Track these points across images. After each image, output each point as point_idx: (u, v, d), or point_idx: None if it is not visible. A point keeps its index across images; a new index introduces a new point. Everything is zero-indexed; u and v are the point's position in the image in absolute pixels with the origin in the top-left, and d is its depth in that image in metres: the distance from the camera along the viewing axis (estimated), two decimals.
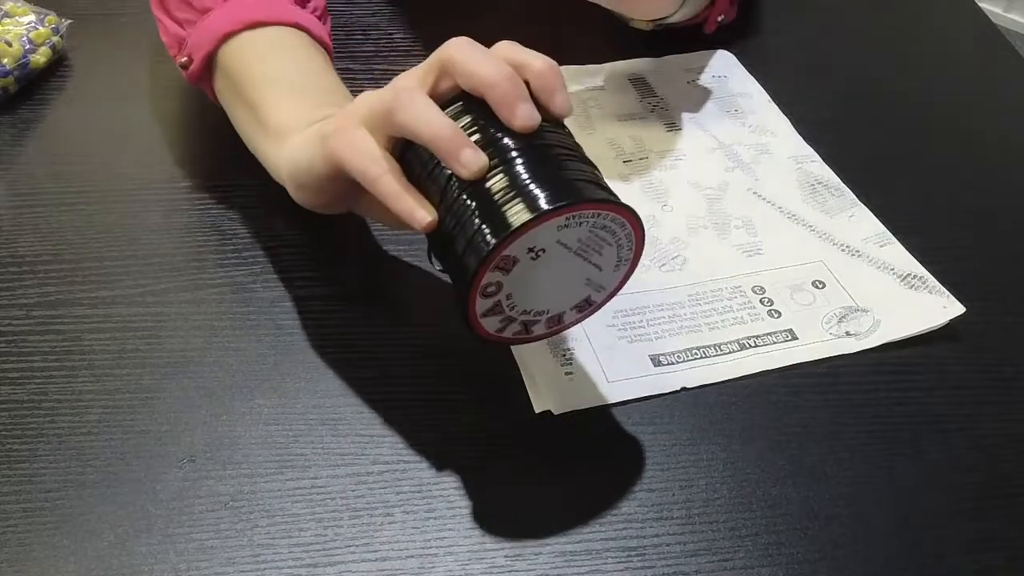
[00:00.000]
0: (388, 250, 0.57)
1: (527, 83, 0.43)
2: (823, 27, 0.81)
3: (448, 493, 0.45)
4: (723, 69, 0.73)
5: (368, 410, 0.48)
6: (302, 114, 0.51)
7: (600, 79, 0.71)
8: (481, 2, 0.76)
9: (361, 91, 0.46)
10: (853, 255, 0.58)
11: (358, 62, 0.70)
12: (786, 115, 0.69)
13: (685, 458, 0.48)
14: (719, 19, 0.73)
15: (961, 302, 0.55)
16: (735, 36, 0.76)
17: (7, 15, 0.67)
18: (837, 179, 0.64)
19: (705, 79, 0.72)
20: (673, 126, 0.68)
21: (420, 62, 0.45)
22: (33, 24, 0.67)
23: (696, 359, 0.52)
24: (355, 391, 0.49)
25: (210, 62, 0.57)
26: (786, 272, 0.57)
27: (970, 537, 0.45)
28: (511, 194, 0.41)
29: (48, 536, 0.43)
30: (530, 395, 0.49)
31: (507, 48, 0.45)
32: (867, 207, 0.61)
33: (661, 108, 0.69)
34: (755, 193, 0.63)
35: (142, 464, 0.46)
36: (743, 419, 0.49)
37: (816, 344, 0.53)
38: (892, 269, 0.57)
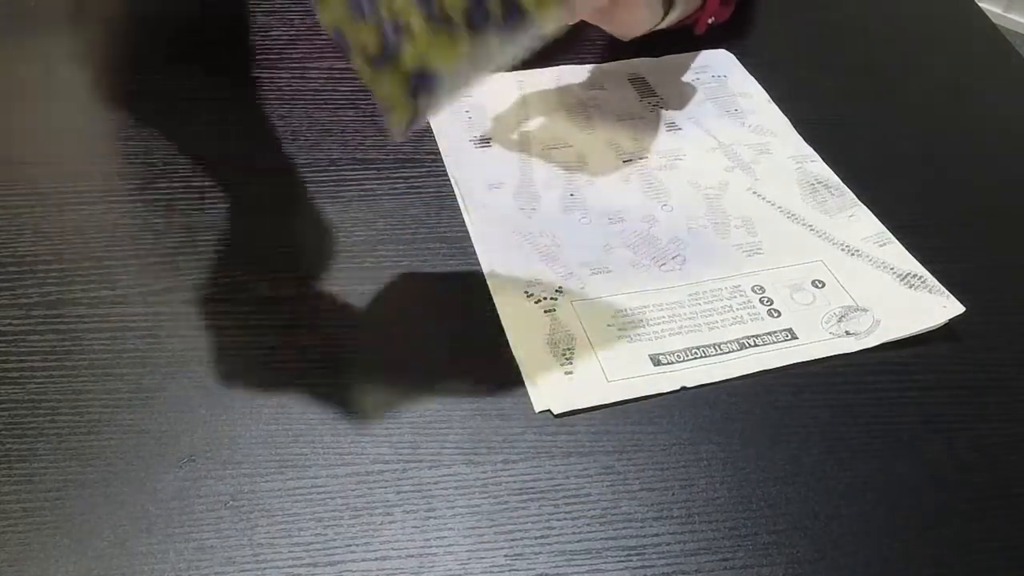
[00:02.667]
0: (388, 250, 0.57)
1: None
2: (823, 27, 0.81)
3: (448, 493, 0.45)
4: (723, 69, 0.73)
5: (368, 410, 0.48)
6: None
7: (600, 79, 0.71)
8: None
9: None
10: (853, 255, 0.58)
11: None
12: (786, 115, 0.69)
13: (685, 458, 0.48)
14: (709, 21, 0.73)
15: (961, 302, 0.55)
16: (735, 36, 0.76)
17: None
18: (837, 179, 0.64)
19: (705, 79, 0.72)
20: (673, 126, 0.68)
21: None
22: None
23: (696, 359, 0.52)
24: (355, 391, 0.49)
25: None
26: (786, 272, 0.57)
27: (970, 537, 0.45)
28: None
29: (48, 536, 0.43)
30: (530, 395, 0.49)
31: None
32: (867, 207, 0.62)
33: (661, 108, 0.69)
34: (755, 193, 0.63)
35: (142, 464, 0.46)
36: (743, 419, 0.49)
37: (816, 344, 0.53)
38: (892, 268, 0.57)
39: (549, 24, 0.44)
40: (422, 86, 0.45)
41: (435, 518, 0.44)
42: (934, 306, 0.55)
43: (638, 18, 0.67)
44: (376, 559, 0.43)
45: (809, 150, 0.66)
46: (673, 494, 0.46)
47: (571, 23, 0.60)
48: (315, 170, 0.62)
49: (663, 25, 0.70)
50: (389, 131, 0.47)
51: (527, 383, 0.50)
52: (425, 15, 0.43)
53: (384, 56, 0.44)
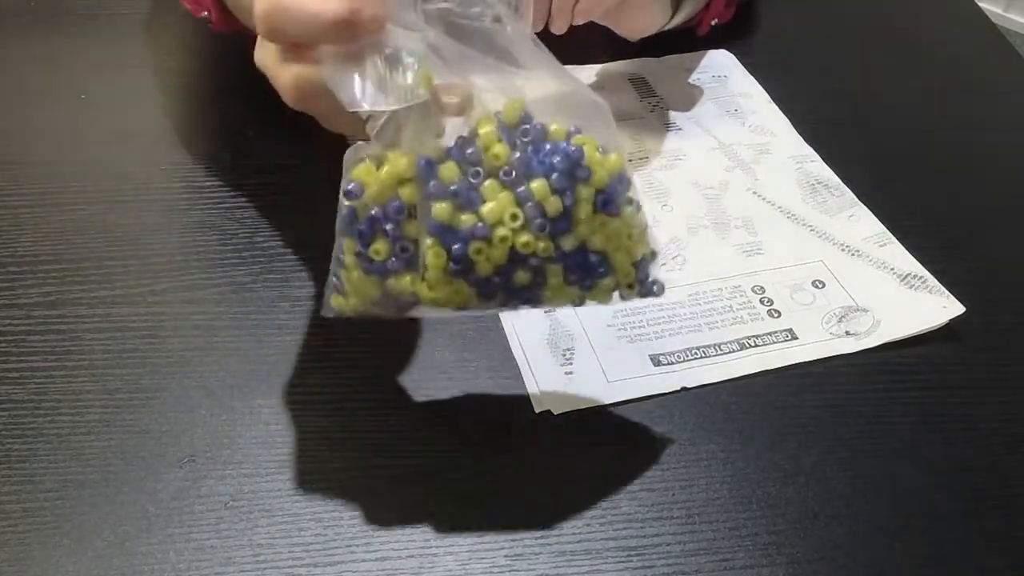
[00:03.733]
0: None
1: None
2: (823, 27, 0.81)
3: (449, 493, 0.45)
4: (723, 69, 0.73)
5: (368, 409, 0.48)
6: None
7: (600, 79, 0.71)
8: None
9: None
10: (853, 255, 0.58)
11: None
12: (786, 115, 0.69)
13: (685, 458, 0.48)
14: (713, 22, 0.73)
15: (961, 302, 0.55)
16: (735, 36, 0.76)
17: None
18: (837, 179, 0.64)
19: (705, 79, 0.72)
20: (673, 126, 0.68)
21: None
22: None
23: (696, 359, 0.52)
24: (355, 390, 0.49)
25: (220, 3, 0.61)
26: (786, 272, 0.57)
27: (970, 537, 0.45)
28: None
29: (48, 536, 0.43)
30: (530, 395, 0.49)
31: None
32: (867, 207, 0.61)
33: (661, 108, 0.69)
34: (755, 193, 0.63)
35: (142, 464, 0.46)
36: (743, 419, 0.49)
37: (816, 344, 0.53)
38: (892, 269, 0.57)
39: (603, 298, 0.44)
40: (405, 309, 0.42)
41: (435, 518, 0.44)
42: (934, 306, 0.55)
43: (647, 19, 0.67)
44: (376, 559, 0.43)
45: (809, 150, 0.66)
46: (673, 494, 0.46)
47: (580, 24, 0.60)
48: (317, 169, 0.62)
49: (670, 26, 0.70)
50: (325, 306, 0.43)
51: (527, 384, 0.50)
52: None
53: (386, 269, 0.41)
